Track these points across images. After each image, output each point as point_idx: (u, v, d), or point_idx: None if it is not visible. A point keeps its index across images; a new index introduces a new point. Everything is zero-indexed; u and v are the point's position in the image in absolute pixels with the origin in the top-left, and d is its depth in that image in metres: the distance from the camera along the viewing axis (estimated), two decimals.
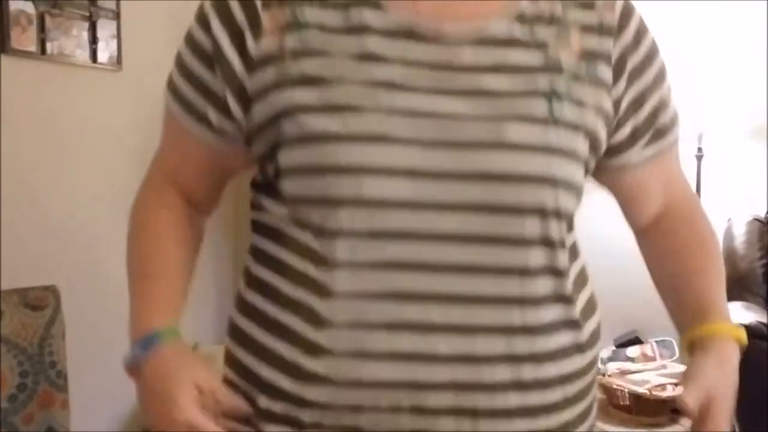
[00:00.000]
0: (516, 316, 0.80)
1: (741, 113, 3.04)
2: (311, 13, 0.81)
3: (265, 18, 0.81)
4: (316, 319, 0.79)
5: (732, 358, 0.88)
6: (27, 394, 1.91)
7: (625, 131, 0.90)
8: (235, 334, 0.88)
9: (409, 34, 0.81)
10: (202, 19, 0.86)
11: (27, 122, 2.25)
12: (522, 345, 0.81)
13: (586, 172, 0.88)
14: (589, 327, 0.88)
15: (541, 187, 0.80)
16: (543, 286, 0.82)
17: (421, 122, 0.78)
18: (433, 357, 0.78)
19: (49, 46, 2.29)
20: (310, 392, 0.79)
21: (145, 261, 0.91)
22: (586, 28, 0.85)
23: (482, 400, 0.79)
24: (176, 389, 0.81)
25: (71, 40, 2.38)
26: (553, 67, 0.82)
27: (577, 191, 0.84)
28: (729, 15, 3.10)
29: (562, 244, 0.84)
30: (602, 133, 0.86)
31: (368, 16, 0.81)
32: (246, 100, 0.83)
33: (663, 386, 2.99)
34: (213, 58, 0.84)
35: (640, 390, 2.94)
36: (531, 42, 0.83)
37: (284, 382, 0.81)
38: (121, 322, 2.76)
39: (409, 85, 0.79)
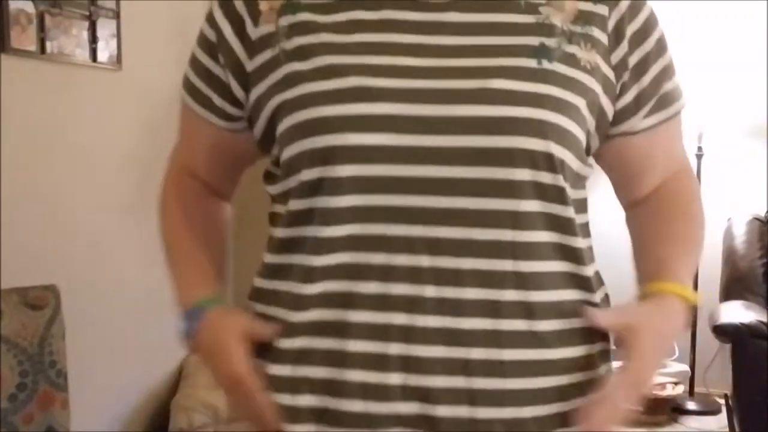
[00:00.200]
0: (507, 264, 0.81)
1: (741, 113, 3.04)
2: None
3: (263, 5, 0.88)
4: (306, 278, 0.83)
5: (672, 309, 0.87)
6: (27, 393, 1.91)
7: (629, 96, 0.89)
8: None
9: (396, 3, 0.85)
10: (209, 15, 0.93)
11: (27, 122, 2.25)
12: (513, 295, 0.80)
13: (590, 138, 0.87)
14: (599, 294, 0.88)
15: (529, 132, 0.80)
16: (538, 235, 0.82)
17: (407, 79, 0.81)
18: (422, 301, 0.79)
19: (48, 45, 2.28)
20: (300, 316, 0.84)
21: (175, 253, 0.99)
22: None
23: (474, 353, 0.79)
24: (226, 345, 0.87)
25: (71, 40, 2.38)
26: (544, 28, 0.84)
27: (571, 144, 0.83)
28: (729, 15, 3.10)
29: (561, 196, 0.83)
30: (602, 97, 0.86)
31: None
32: (247, 82, 0.89)
33: (663, 385, 2.99)
34: (217, 48, 0.91)
35: None
36: (523, 6, 0.85)
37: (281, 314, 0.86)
38: (121, 322, 2.77)
39: (396, 46, 0.83)
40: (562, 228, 0.84)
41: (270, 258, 0.89)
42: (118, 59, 2.56)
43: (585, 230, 0.88)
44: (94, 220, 2.51)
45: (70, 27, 2.37)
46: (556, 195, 0.83)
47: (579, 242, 0.86)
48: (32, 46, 2.23)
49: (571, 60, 0.84)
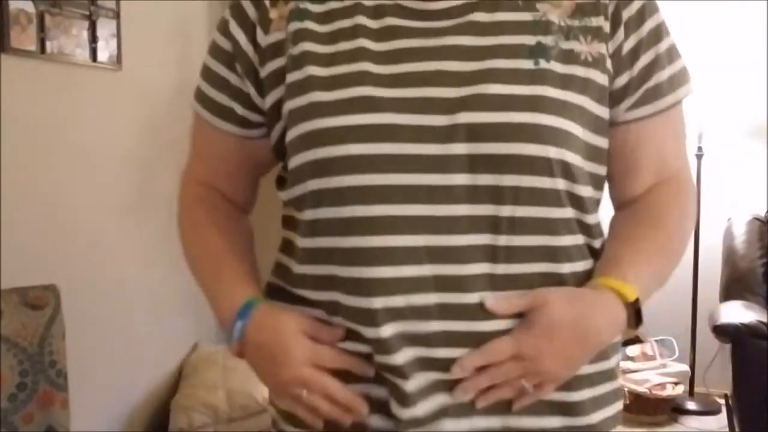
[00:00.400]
0: (511, 268, 0.81)
1: (741, 113, 3.04)
2: (312, 4, 0.88)
3: (273, 13, 0.89)
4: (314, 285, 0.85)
5: (599, 301, 0.81)
6: (27, 393, 1.91)
7: (619, 84, 0.87)
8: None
9: (396, 10, 0.86)
10: (222, 25, 0.93)
11: (27, 121, 2.25)
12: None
13: (600, 128, 0.86)
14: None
15: (526, 137, 0.79)
16: (536, 239, 0.82)
17: (407, 88, 0.81)
18: (427, 309, 0.79)
19: (48, 45, 2.28)
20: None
21: (208, 266, 0.94)
22: None
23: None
24: (287, 342, 0.82)
25: (71, 40, 2.38)
26: (541, 25, 0.84)
27: (572, 145, 0.82)
28: (729, 15, 3.10)
29: (559, 198, 0.83)
30: (605, 83, 0.85)
31: (361, 1, 0.87)
32: (263, 89, 0.90)
33: (663, 385, 2.99)
34: (233, 56, 0.91)
35: (640, 389, 2.94)
36: (520, 3, 0.85)
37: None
38: (121, 322, 2.77)
39: (397, 53, 0.83)
40: (571, 229, 0.84)
41: (300, 269, 0.87)
42: (118, 59, 2.56)
43: (587, 228, 0.88)
44: (94, 220, 2.51)
45: (70, 27, 2.37)
46: (555, 197, 0.82)
47: (579, 240, 0.86)
48: (32, 46, 2.23)
49: (570, 56, 0.83)
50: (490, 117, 0.79)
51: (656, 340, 3.22)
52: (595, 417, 0.86)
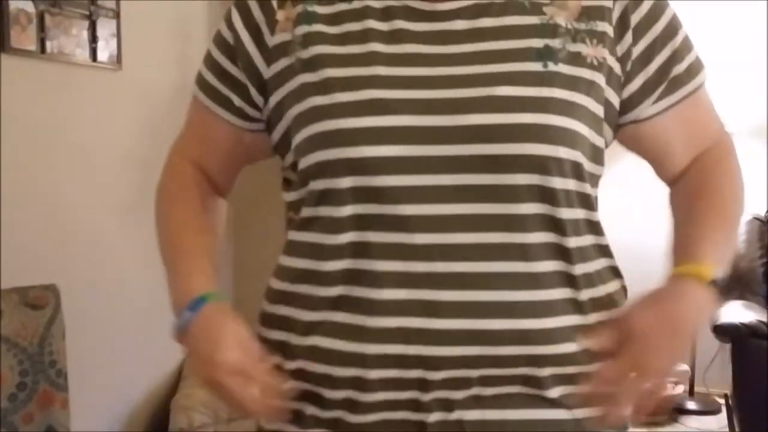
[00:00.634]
0: (520, 266, 0.82)
1: (741, 113, 3.04)
2: (320, 7, 0.88)
3: (280, 15, 0.89)
4: (319, 281, 0.85)
5: (681, 291, 0.83)
6: (27, 393, 1.91)
7: (635, 85, 0.89)
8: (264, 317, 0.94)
9: (405, 12, 0.86)
10: (228, 17, 0.94)
11: (27, 121, 2.25)
12: (525, 295, 0.82)
13: (601, 130, 0.88)
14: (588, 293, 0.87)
15: (536, 137, 0.81)
16: (537, 237, 0.83)
17: (418, 90, 0.82)
18: (439, 306, 0.81)
19: (48, 45, 2.28)
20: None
21: (179, 244, 0.96)
22: None
23: (489, 351, 0.81)
24: (220, 335, 0.85)
25: (71, 39, 2.38)
26: (548, 29, 0.85)
27: (580, 145, 0.84)
28: (729, 15, 3.10)
29: (569, 198, 0.84)
30: (607, 90, 0.87)
31: (370, 2, 0.87)
32: (265, 89, 0.90)
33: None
34: (235, 51, 0.92)
35: None
36: (527, 6, 0.86)
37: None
38: (121, 322, 2.77)
39: (408, 56, 0.84)
40: (570, 230, 0.85)
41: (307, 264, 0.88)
42: (118, 59, 2.56)
43: (594, 227, 0.89)
44: (94, 220, 2.51)
45: (70, 27, 2.37)
46: (565, 197, 0.84)
47: (588, 240, 0.87)
48: (32, 46, 2.23)
49: (577, 59, 0.84)
50: (500, 118, 0.81)
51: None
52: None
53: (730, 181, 0.95)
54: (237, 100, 0.94)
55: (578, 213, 0.86)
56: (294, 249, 0.90)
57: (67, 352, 2.01)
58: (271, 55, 0.89)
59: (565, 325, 0.83)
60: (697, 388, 3.15)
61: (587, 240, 0.87)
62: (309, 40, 0.87)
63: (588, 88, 0.85)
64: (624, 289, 0.93)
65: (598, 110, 0.86)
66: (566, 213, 0.84)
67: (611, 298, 0.89)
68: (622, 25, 0.87)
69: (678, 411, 3.04)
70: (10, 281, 2.01)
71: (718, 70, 2.93)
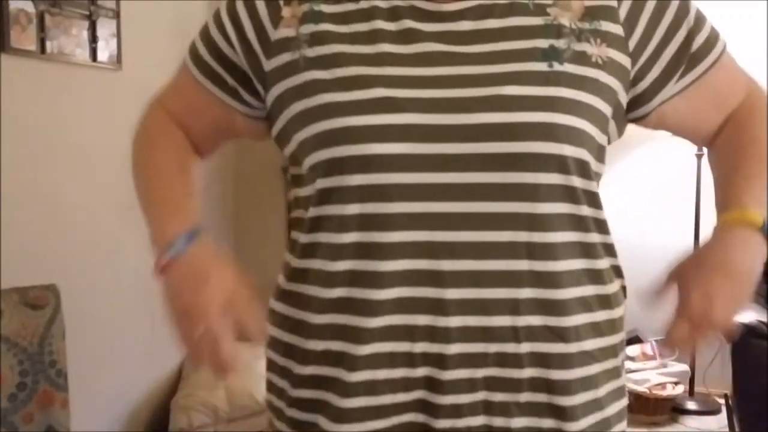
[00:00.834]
0: (524, 264, 0.83)
1: None
2: (327, 6, 0.88)
3: (286, 11, 0.90)
4: (325, 282, 0.85)
5: (732, 238, 0.87)
6: (27, 393, 1.91)
7: (655, 73, 0.91)
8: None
9: (412, 12, 0.87)
10: (230, 3, 0.94)
11: (27, 122, 2.25)
12: (530, 293, 0.83)
13: (606, 128, 0.89)
14: (612, 287, 0.89)
15: (542, 136, 0.81)
16: (554, 236, 0.84)
17: (425, 89, 0.83)
18: (444, 303, 0.81)
19: (48, 45, 2.28)
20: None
21: (165, 180, 0.98)
22: None
23: (492, 348, 0.82)
24: (213, 276, 0.84)
25: (71, 39, 2.38)
26: (553, 29, 0.86)
27: (586, 143, 0.85)
28: (729, 15, 3.10)
29: (576, 195, 0.85)
30: (616, 88, 0.88)
31: (377, 3, 0.88)
32: (265, 81, 0.91)
33: (663, 385, 2.99)
34: (236, 40, 0.93)
35: (640, 389, 2.94)
36: (531, 8, 0.87)
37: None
38: (121, 322, 2.76)
39: (415, 56, 0.85)
40: (579, 226, 0.86)
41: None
42: (118, 59, 2.56)
43: (601, 225, 0.90)
44: (94, 220, 2.51)
45: (70, 27, 2.37)
46: (572, 194, 0.85)
47: (594, 237, 0.88)
48: (32, 46, 2.23)
49: (582, 58, 0.85)
50: (507, 117, 0.81)
51: (656, 340, 3.21)
52: (609, 411, 0.89)
53: (764, 128, 0.96)
54: (231, 81, 0.95)
55: (584, 210, 0.86)
56: (301, 249, 0.90)
57: (67, 352, 2.01)
58: (272, 48, 0.89)
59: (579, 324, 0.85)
60: (697, 388, 3.15)
61: (594, 238, 0.87)
62: (317, 38, 0.87)
63: (593, 86, 0.85)
64: (623, 288, 0.93)
65: (604, 108, 0.87)
66: (565, 209, 0.85)
67: (615, 297, 0.90)
68: (630, 21, 0.88)
69: (678, 411, 3.03)
70: (10, 281, 2.01)
71: None
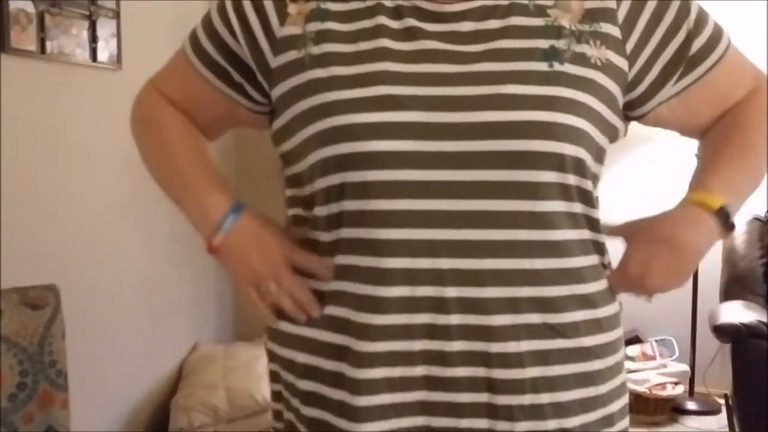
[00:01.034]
0: (525, 263, 0.83)
1: None
2: (333, 4, 0.89)
3: (292, 8, 0.90)
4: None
5: (679, 218, 0.92)
6: (27, 393, 1.91)
7: (653, 75, 0.91)
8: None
9: (414, 12, 0.88)
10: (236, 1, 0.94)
11: (27, 122, 2.25)
12: (528, 291, 0.83)
13: (605, 129, 0.89)
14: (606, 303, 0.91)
15: (542, 134, 0.82)
16: (554, 234, 0.85)
17: (427, 87, 0.84)
18: (444, 302, 0.82)
19: (48, 45, 2.28)
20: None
21: (184, 162, 0.98)
22: None
23: (494, 347, 0.83)
24: (271, 239, 0.92)
25: (71, 39, 2.38)
26: (553, 30, 0.86)
27: (585, 142, 0.85)
28: (729, 15, 3.10)
29: (574, 194, 0.86)
30: (614, 89, 0.88)
31: (382, 1, 0.88)
32: (270, 77, 0.91)
33: (663, 385, 2.99)
34: (241, 34, 0.92)
35: (640, 389, 2.94)
36: (532, 9, 0.87)
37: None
38: (121, 322, 2.76)
39: (418, 54, 0.85)
40: (575, 223, 0.87)
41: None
42: (118, 59, 2.57)
43: (593, 224, 0.90)
44: (94, 220, 2.51)
45: (70, 27, 2.37)
46: (566, 192, 0.85)
47: (594, 235, 0.89)
48: (32, 46, 2.23)
49: (581, 59, 0.86)
50: (508, 115, 0.82)
51: (656, 340, 3.22)
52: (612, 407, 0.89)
53: (759, 119, 0.96)
54: (237, 76, 0.95)
55: (576, 207, 0.87)
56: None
57: (67, 352, 2.01)
58: (278, 45, 0.90)
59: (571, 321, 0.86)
60: (697, 388, 3.15)
61: (584, 234, 0.88)
62: (323, 36, 0.87)
63: (593, 87, 0.86)
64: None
65: (602, 109, 0.87)
66: (563, 207, 0.85)
67: (611, 294, 0.91)
68: (628, 24, 0.89)
69: (678, 411, 3.04)
70: (10, 281, 2.01)
71: None
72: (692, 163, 1.00)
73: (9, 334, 1.87)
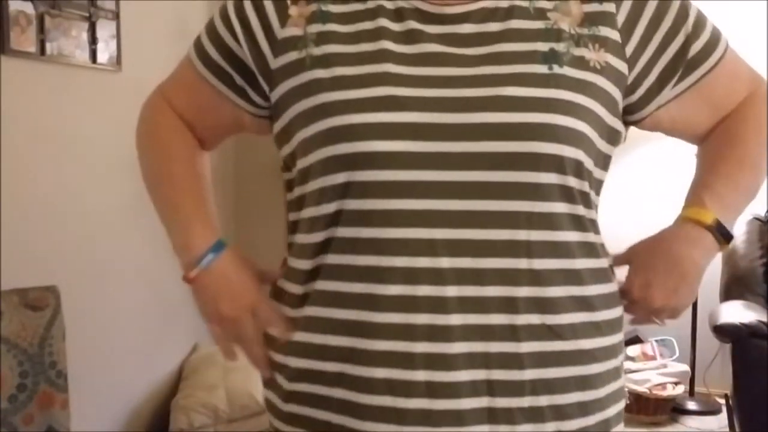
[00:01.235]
0: (523, 263, 0.83)
1: None
2: (334, 7, 0.89)
3: (293, 10, 0.90)
4: (328, 275, 0.86)
5: (674, 235, 0.93)
6: (27, 394, 1.91)
7: (652, 78, 0.91)
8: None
9: (415, 14, 0.88)
10: (237, 2, 0.94)
11: (27, 123, 2.25)
12: (527, 291, 0.83)
13: (604, 132, 0.89)
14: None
15: (541, 136, 0.82)
16: (554, 235, 0.85)
17: (427, 88, 0.84)
18: (444, 301, 0.82)
19: (48, 46, 2.29)
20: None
21: (180, 190, 1.00)
22: None
23: (494, 347, 0.83)
24: (244, 283, 0.95)
25: (71, 41, 2.38)
26: (553, 33, 0.87)
27: (584, 144, 0.85)
28: (729, 15, 3.10)
29: (573, 196, 0.86)
30: (614, 93, 0.89)
31: (383, 3, 0.89)
32: (271, 79, 0.91)
33: (663, 385, 2.99)
34: (243, 36, 0.93)
35: (641, 389, 2.94)
36: (532, 12, 0.88)
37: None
38: (121, 322, 2.76)
39: (419, 56, 0.86)
40: (577, 225, 0.87)
41: (301, 264, 0.90)
42: (118, 60, 2.57)
43: (595, 225, 0.91)
44: (94, 221, 2.51)
45: (70, 28, 2.37)
46: (568, 194, 0.85)
47: (593, 237, 0.89)
48: (32, 48, 2.23)
49: (581, 62, 0.86)
50: (507, 117, 0.82)
51: (656, 340, 3.22)
52: (609, 412, 0.89)
53: (756, 129, 0.96)
54: (239, 80, 0.95)
55: (580, 210, 0.87)
56: (298, 250, 0.90)
57: (67, 352, 2.01)
58: (278, 46, 0.90)
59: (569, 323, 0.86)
60: (697, 388, 3.15)
61: (588, 237, 0.88)
62: (324, 38, 0.88)
63: (592, 90, 0.86)
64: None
65: (602, 112, 0.88)
66: (562, 208, 0.85)
67: (614, 296, 0.92)
68: (628, 27, 0.89)
69: (678, 411, 3.03)
70: (10, 282, 2.01)
71: None
72: (692, 164, 1.00)
73: (9, 336, 1.87)
